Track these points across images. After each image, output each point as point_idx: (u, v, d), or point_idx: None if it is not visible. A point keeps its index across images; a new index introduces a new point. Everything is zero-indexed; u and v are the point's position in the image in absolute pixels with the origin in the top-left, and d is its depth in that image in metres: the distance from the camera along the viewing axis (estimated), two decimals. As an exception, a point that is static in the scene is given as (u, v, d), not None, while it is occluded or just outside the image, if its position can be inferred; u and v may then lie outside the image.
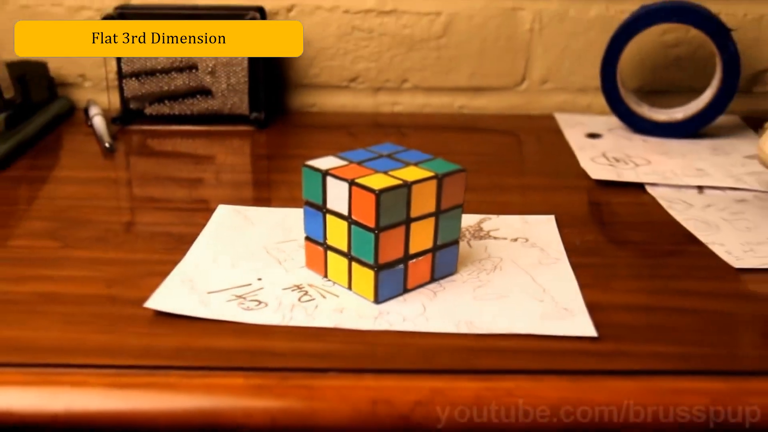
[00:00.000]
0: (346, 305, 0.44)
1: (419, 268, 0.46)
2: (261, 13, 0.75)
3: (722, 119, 0.75)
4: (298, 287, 0.46)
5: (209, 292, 0.45)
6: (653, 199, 0.60)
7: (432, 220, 0.46)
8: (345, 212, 0.44)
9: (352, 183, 0.44)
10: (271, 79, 0.81)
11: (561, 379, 0.37)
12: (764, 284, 0.48)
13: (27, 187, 0.62)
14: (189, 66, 0.75)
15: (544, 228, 0.54)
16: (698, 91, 0.76)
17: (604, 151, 0.71)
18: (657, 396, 0.37)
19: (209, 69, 0.75)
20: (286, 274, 0.47)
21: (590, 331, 0.42)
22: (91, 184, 0.62)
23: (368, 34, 0.82)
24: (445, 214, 0.46)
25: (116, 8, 0.75)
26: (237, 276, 0.47)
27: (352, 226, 0.44)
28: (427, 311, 0.43)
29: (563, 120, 0.81)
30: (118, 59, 0.74)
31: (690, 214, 0.57)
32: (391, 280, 0.45)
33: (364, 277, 0.44)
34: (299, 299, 0.44)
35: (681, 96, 0.79)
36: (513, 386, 0.37)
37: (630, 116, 0.76)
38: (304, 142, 0.74)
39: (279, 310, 0.43)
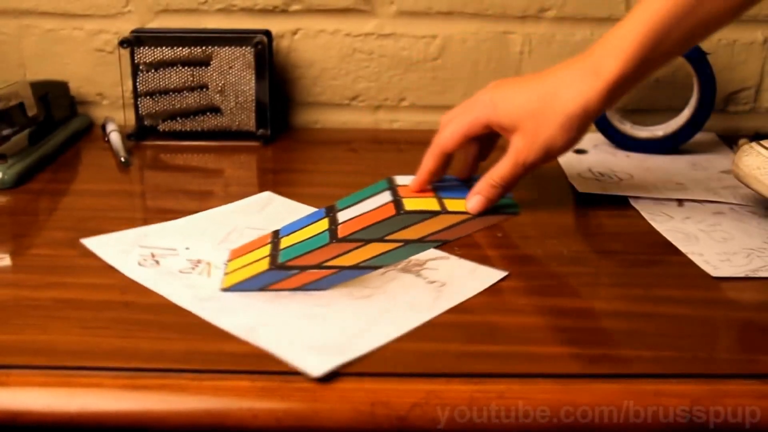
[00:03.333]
0: (200, 285, 0.46)
1: (303, 278, 0.46)
2: (268, 37, 0.75)
3: (700, 136, 0.75)
4: (200, 261, 0.49)
5: (140, 245, 0.50)
6: (636, 211, 0.60)
7: (396, 245, 0.50)
8: (353, 215, 0.50)
9: (397, 199, 0.53)
10: (276, 97, 0.81)
11: (549, 382, 0.37)
12: (740, 292, 0.47)
13: (48, 199, 0.62)
14: (200, 86, 0.75)
15: (476, 280, 0.47)
16: (677, 110, 0.76)
17: (589, 166, 0.71)
18: (640, 398, 0.37)
19: (219, 88, 0.75)
20: (210, 251, 0.51)
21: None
22: (107, 196, 0.62)
23: (368, 55, 0.82)
24: (417, 243, 0.47)
25: (132, 32, 0.75)
26: (174, 241, 0.52)
27: (325, 232, 0.50)
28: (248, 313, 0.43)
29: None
30: (134, 79, 0.74)
31: (670, 226, 0.57)
32: (264, 279, 0.46)
33: (253, 269, 0.47)
34: (181, 270, 0.48)
35: (661, 114, 0.79)
36: (504, 389, 0.37)
37: (614, 133, 0.76)
38: (307, 157, 0.74)
39: (153, 268, 0.48)
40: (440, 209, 0.54)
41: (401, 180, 0.59)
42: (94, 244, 0.51)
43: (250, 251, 0.50)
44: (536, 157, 0.54)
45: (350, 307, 0.44)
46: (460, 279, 0.47)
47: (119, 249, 0.51)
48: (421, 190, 0.57)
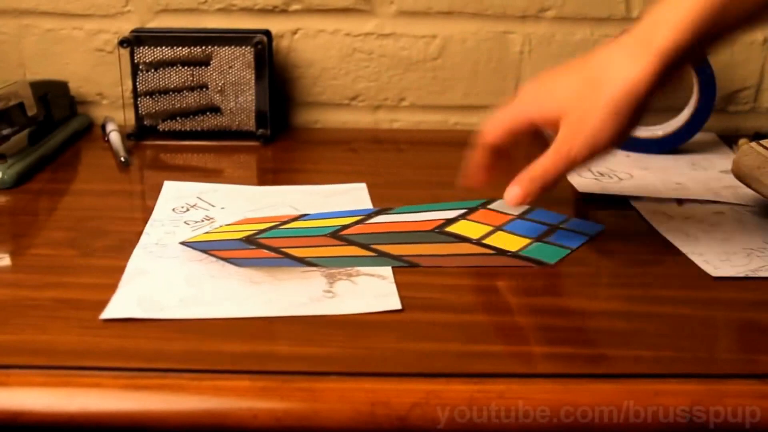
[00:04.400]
0: (178, 233, 0.53)
1: (243, 253, 0.49)
2: (268, 37, 0.75)
3: (699, 136, 0.75)
4: (212, 219, 0.56)
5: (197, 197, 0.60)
6: (636, 211, 0.60)
7: (367, 253, 0.50)
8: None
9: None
10: (276, 97, 0.81)
11: (549, 382, 0.37)
12: (740, 292, 0.47)
13: (48, 199, 0.62)
14: (200, 85, 0.75)
15: (366, 301, 0.45)
16: (677, 110, 0.76)
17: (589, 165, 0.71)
18: (640, 398, 0.37)
19: (219, 88, 0.75)
20: (233, 214, 0.57)
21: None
22: (107, 196, 0.62)
23: (368, 55, 0.82)
24: (388, 258, 0.49)
25: (132, 32, 0.75)
26: (224, 200, 0.60)
27: (334, 227, 0.53)
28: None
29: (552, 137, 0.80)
30: (134, 79, 0.74)
31: (670, 226, 0.57)
32: (218, 245, 0.50)
33: (228, 235, 0.51)
34: (191, 221, 0.55)
35: (661, 114, 0.79)
36: (504, 389, 0.37)
37: (613, 133, 0.76)
38: (307, 157, 0.74)
39: (179, 214, 0.56)
40: (475, 238, 0.52)
41: (497, 204, 0.57)
42: (169, 186, 0.62)
43: (256, 223, 0.53)
44: (581, 149, 0.48)
45: (227, 282, 0.46)
46: (354, 295, 0.45)
47: (179, 194, 0.60)
48: (470, 183, 0.54)
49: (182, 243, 0.51)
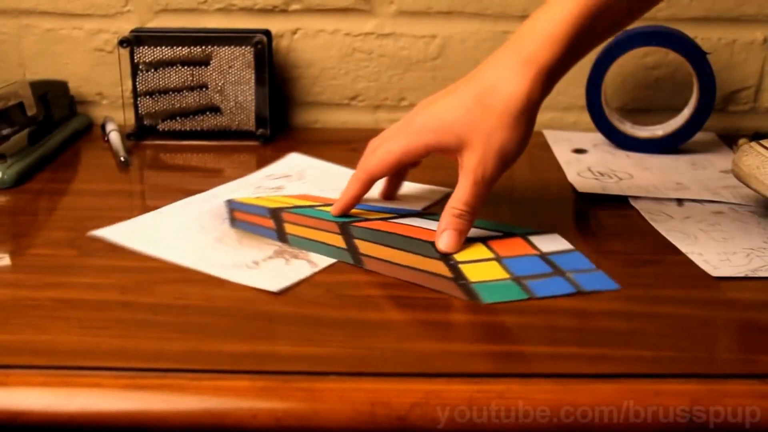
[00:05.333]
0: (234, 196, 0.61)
1: (258, 220, 0.55)
2: (267, 37, 0.75)
3: (699, 136, 0.75)
4: (279, 188, 0.63)
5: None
6: (636, 211, 0.60)
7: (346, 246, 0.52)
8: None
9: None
10: (276, 97, 0.81)
11: (549, 382, 0.37)
12: (740, 292, 0.48)
13: (47, 199, 0.62)
14: (199, 85, 0.75)
15: (272, 277, 0.48)
16: (677, 110, 0.76)
17: (589, 165, 0.71)
18: (640, 398, 0.37)
19: (218, 88, 0.75)
20: (300, 188, 0.64)
21: None
22: (107, 195, 0.62)
23: (368, 55, 0.82)
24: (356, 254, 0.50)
25: (132, 32, 0.75)
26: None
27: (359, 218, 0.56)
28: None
29: (551, 136, 0.80)
30: (134, 79, 0.74)
31: (670, 226, 0.57)
32: (249, 209, 0.58)
33: (270, 203, 0.59)
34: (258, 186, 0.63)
35: (661, 114, 0.79)
36: (504, 389, 0.37)
37: (614, 133, 0.76)
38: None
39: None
40: (458, 260, 0.50)
41: (537, 238, 0.54)
42: (292, 157, 0.67)
43: (305, 200, 0.60)
44: (494, 168, 0.50)
45: (201, 235, 0.53)
46: (266, 272, 0.48)
47: (290, 165, 0.68)
48: (342, 213, 0.55)
49: (226, 201, 0.59)
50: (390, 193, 0.59)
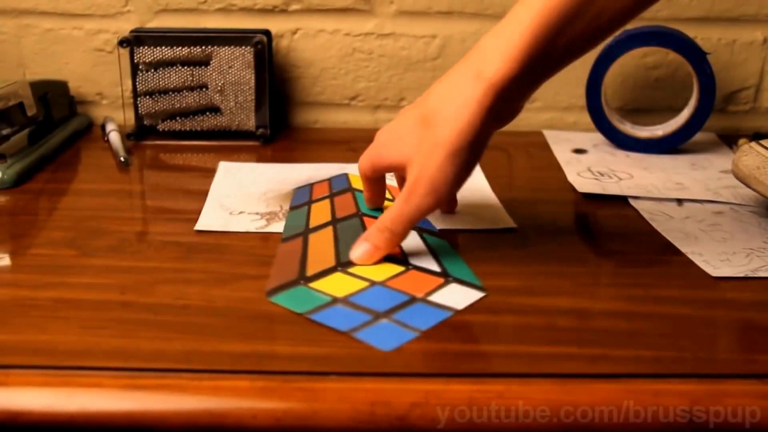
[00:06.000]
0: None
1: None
2: (267, 37, 0.75)
3: (699, 136, 0.75)
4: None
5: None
6: (636, 211, 0.60)
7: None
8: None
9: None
10: (276, 97, 0.81)
11: (549, 382, 0.37)
12: (740, 292, 0.48)
13: (47, 199, 0.62)
14: (199, 85, 0.75)
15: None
16: (677, 110, 0.76)
17: (589, 165, 0.71)
18: (640, 398, 0.37)
19: (218, 88, 0.75)
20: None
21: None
22: (107, 196, 0.62)
23: (368, 55, 0.82)
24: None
25: (132, 32, 0.75)
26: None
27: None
28: None
29: (551, 136, 0.81)
30: (134, 79, 0.74)
31: (670, 226, 0.57)
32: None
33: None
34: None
35: (661, 114, 0.80)
36: (504, 389, 0.37)
37: (613, 133, 0.76)
38: (307, 157, 0.74)
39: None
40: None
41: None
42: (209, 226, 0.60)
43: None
44: (424, 195, 0.45)
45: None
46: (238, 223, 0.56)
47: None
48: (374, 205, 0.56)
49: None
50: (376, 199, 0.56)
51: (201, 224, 0.56)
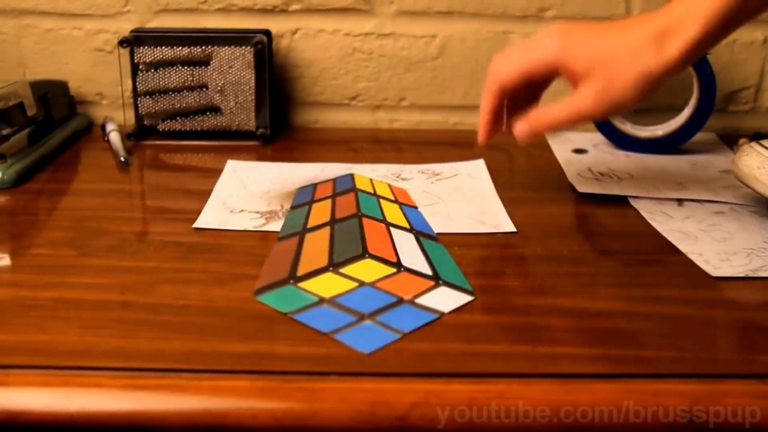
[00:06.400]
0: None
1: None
2: (267, 37, 0.75)
3: (700, 136, 0.75)
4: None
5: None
6: (636, 211, 0.60)
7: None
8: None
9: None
10: (276, 97, 0.81)
11: (549, 382, 0.37)
12: (740, 292, 0.48)
13: (47, 199, 0.62)
14: (200, 85, 0.75)
15: None
16: (677, 110, 0.76)
17: (589, 165, 0.71)
18: (640, 398, 0.37)
19: (218, 88, 0.75)
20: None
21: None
22: (107, 195, 0.62)
23: (368, 55, 0.82)
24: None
25: (132, 32, 0.75)
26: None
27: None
28: None
29: (551, 136, 0.80)
30: (134, 79, 0.74)
31: (670, 226, 0.57)
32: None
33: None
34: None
35: (661, 114, 0.79)
36: (504, 389, 0.37)
37: (614, 133, 0.76)
38: (307, 156, 0.74)
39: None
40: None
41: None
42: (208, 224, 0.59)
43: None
44: (602, 111, 0.52)
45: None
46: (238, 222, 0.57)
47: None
48: (488, 136, 0.56)
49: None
50: (500, 119, 0.57)
51: (200, 222, 0.56)
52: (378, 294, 0.45)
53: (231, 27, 0.79)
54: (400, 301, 0.45)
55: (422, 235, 0.54)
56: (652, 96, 0.51)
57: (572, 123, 0.53)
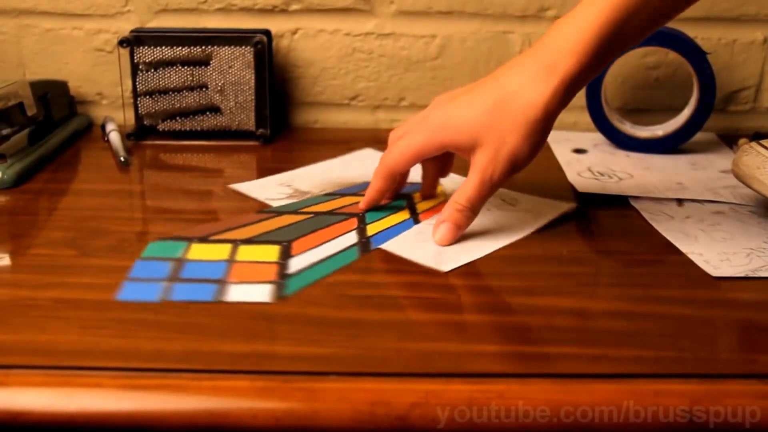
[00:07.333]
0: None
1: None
2: (267, 37, 0.75)
3: (699, 136, 0.75)
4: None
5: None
6: (636, 211, 0.60)
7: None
8: None
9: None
10: (276, 97, 0.81)
11: (549, 382, 0.37)
12: (740, 292, 0.48)
13: (47, 199, 0.62)
14: (199, 85, 0.75)
15: None
16: (677, 110, 0.76)
17: (589, 165, 0.71)
18: (640, 398, 0.37)
19: (218, 88, 0.75)
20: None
21: None
22: (107, 196, 0.62)
23: (368, 55, 0.82)
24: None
25: (132, 32, 0.75)
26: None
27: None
28: None
29: (551, 136, 0.80)
30: (134, 79, 0.74)
31: (670, 226, 0.57)
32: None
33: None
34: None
35: (661, 114, 0.79)
36: (504, 389, 0.37)
37: (613, 133, 0.76)
38: (307, 157, 0.74)
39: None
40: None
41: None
42: (243, 187, 0.63)
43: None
44: (503, 171, 0.51)
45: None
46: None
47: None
48: (370, 207, 0.57)
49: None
50: (432, 183, 0.60)
51: (237, 185, 0.61)
52: (211, 265, 0.49)
53: (231, 27, 0.79)
54: (220, 281, 0.47)
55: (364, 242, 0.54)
56: (546, 137, 0.51)
57: (486, 197, 0.52)
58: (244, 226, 0.55)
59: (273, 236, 0.53)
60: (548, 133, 0.51)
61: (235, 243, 0.52)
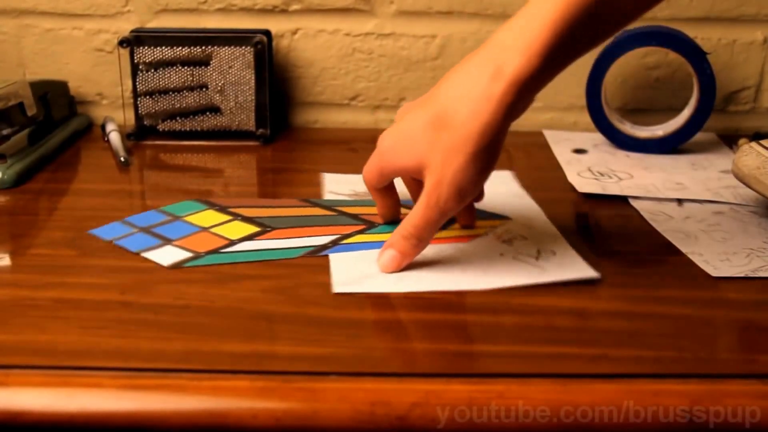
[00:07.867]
0: None
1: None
2: (267, 37, 0.75)
3: (699, 136, 0.75)
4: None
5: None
6: (636, 211, 0.60)
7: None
8: None
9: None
10: (276, 97, 0.81)
11: (549, 382, 0.37)
12: (740, 292, 0.48)
13: (47, 199, 0.62)
14: (199, 85, 0.75)
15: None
16: (677, 110, 0.76)
17: (589, 165, 0.71)
18: (640, 398, 0.37)
19: (218, 88, 0.75)
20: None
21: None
22: (107, 195, 0.62)
23: (368, 55, 0.82)
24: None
25: (132, 32, 0.75)
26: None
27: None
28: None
29: (551, 136, 0.80)
30: (134, 79, 0.74)
31: (670, 226, 0.57)
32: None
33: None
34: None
35: (661, 114, 0.79)
36: (504, 389, 0.37)
37: (614, 133, 0.76)
38: (307, 157, 0.74)
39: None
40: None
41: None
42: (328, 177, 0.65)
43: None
44: (448, 196, 0.45)
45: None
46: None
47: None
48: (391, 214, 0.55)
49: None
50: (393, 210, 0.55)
51: (326, 174, 0.65)
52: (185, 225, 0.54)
53: (231, 27, 0.79)
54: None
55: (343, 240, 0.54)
56: (498, 152, 0.45)
57: (434, 224, 0.46)
58: (268, 207, 0.57)
59: (268, 221, 0.55)
60: (497, 149, 0.44)
61: (235, 217, 0.54)
